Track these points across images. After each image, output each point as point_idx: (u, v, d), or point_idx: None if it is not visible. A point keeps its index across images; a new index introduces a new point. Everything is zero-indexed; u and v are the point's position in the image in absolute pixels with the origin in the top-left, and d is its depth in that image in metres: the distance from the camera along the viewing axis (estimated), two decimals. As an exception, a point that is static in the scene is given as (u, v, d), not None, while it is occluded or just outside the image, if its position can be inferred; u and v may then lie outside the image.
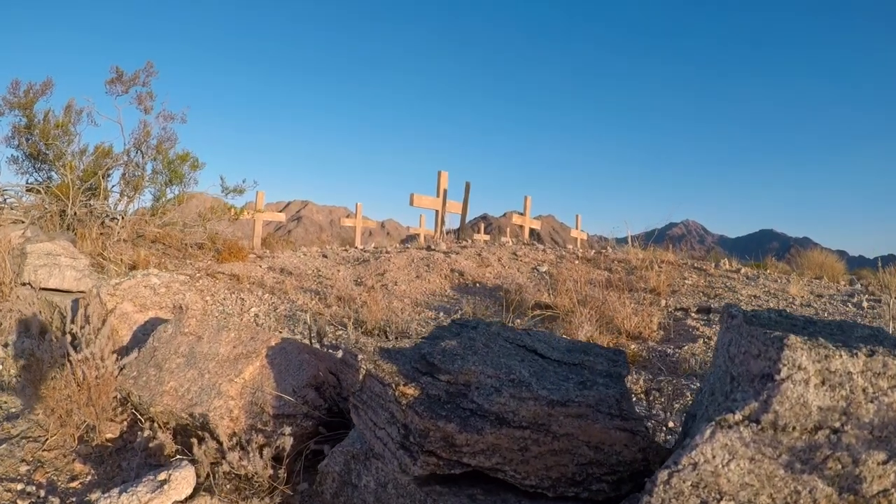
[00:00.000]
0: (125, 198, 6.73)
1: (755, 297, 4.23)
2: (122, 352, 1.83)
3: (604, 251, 5.92)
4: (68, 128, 6.31)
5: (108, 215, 6.27)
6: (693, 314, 3.79)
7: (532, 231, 13.22)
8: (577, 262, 5.44)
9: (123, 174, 6.69)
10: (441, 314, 4.21)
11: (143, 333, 1.88)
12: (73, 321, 1.79)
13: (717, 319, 3.60)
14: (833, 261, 16.13)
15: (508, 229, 19.02)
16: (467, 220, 9.80)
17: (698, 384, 2.55)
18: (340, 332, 3.71)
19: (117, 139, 6.32)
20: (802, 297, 4.34)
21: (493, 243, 6.65)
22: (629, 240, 5.96)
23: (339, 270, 5.48)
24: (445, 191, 9.03)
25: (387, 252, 6.11)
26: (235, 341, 1.56)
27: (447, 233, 8.98)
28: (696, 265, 5.42)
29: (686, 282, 4.70)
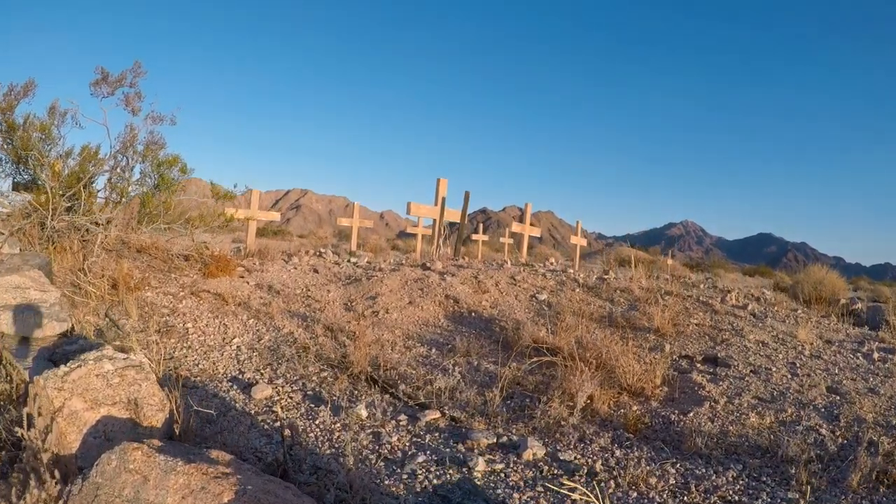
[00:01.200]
0: (110, 203, 6.49)
1: (763, 343, 4.03)
2: (72, 462, 1.61)
3: (606, 277, 5.71)
4: (51, 131, 6.06)
5: (93, 221, 6.03)
6: (699, 364, 3.59)
7: (531, 225, 13.01)
8: (577, 290, 5.23)
9: (109, 178, 6.45)
10: (433, 350, 3.99)
11: (95, 437, 1.66)
12: (17, 421, 1.58)
13: (723, 375, 3.40)
14: (834, 277, 15.97)
15: (507, 233, 18.79)
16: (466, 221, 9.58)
17: (704, 469, 2.35)
18: (326, 375, 3.50)
19: (104, 142, 6.11)
20: (812, 343, 4.14)
21: (491, 264, 6.42)
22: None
23: (329, 291, 5.26)
24: (444, 199, 8.79)
25: (379, 270, 5.89)
26: (184, 490, 1.34)
27: (446, 239, 8.77)
28: (701, 298, 5.21)
29: (691, 320, 4.49)
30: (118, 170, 6.50)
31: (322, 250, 11.04)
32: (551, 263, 17.74)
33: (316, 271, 6.12)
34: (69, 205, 5.81)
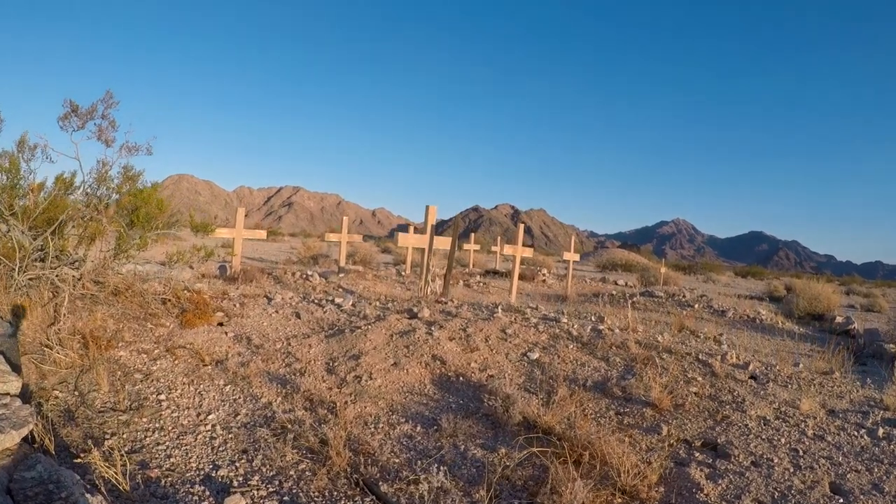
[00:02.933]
0: (84, 242, 6.21)
1: (765, 421, 3.85)
2: None
3: (601, 329, 5.51)
4: (17, 167, 5.77)
5: (67, 262, 5.76)
6: (697, 453, 3.40)
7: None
8: (571, 346, 5.03)
9: (83, 217, 6.18)
10: (419, 428, 3.79)
11: None
12: None
13: (723, 469, 3.22)
14: (829, 292, 15.93)
15: (500, 243, 18.58)
16: (460, 226, 9.36)
17: None
18: (304, 467, 3.27)
19: (77, 177, 5.85)
20: (815, 418, 3.98)
21: (481, 310, 6.20)
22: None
23: (310, 346, 5.03)
24: (433, 226, 8.57)
25: (364, 318, 5.67)
26: None
27: (434, 278, 8.54)
28: (700, 356, 5.03)
29: (690, 388, 4.31)
30: (92, 205, 6.23)
31: (309, 273, 10.80)
32: (543, 278, 17.56)
33: (298, 316, 5.89)
34: (40, 250, 5.54)
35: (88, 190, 6.33)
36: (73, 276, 5.65)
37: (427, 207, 8.56)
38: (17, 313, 4.80)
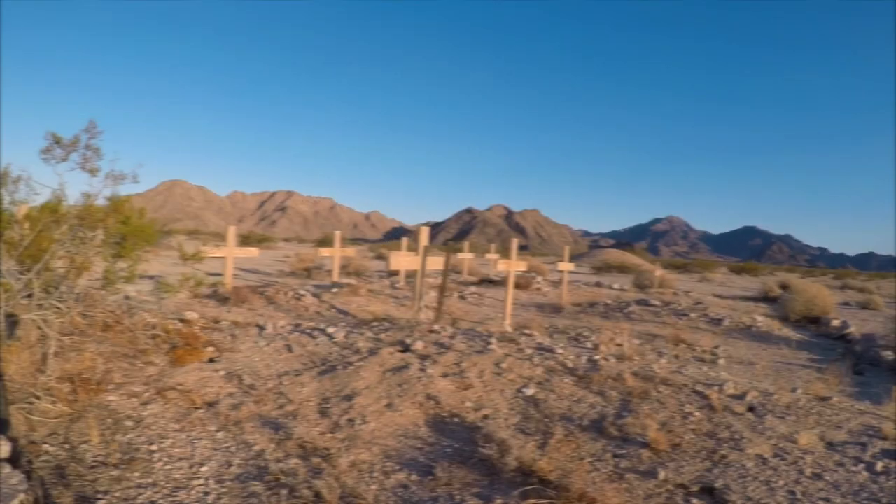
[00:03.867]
0: (71, 276, 6.13)
1: (762, 459, 3.82)
2: None
3: (596, 359, 5.48)
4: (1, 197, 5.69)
5: (55, 296, 5.68)
6: (695, 499, 3.37)
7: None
8: (566, 379, 5.00)
9: (69, 251, 6.10)
10: (413, 476, 3.73)
11: None
12: None
13: (723, 518, 3.19)
14: (825, 294, 15.98)
15: (495, 252, 18.58)
16: (452, 255, 9.31)
17: None
18: (295, 527, 3.22)
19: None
20: (814, 452, 3.96)
21: (476, 337, 6.15)
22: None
23: (302, 385, 4.97)
24: (426, 248, 8.53)
25: (356, 352, 5.61)
26: None
27: (425, 307, 8.49)
28: (697, 388, 5.00)
29: (688, 426, 4.28)
30: (78, 238, 6.15)
31: (301, 293, 10.73)
32: (538, 286, 17.52)
33: (290, 349, 5.83)
34: (28, 285, 5.45)
35: (74, 222, 6.24)
36: (62, 313, 5.56)
37: (419, 229, 8.52)
38: (3, 357, 4.72)
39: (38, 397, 4.38)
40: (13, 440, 3.76)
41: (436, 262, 8.67)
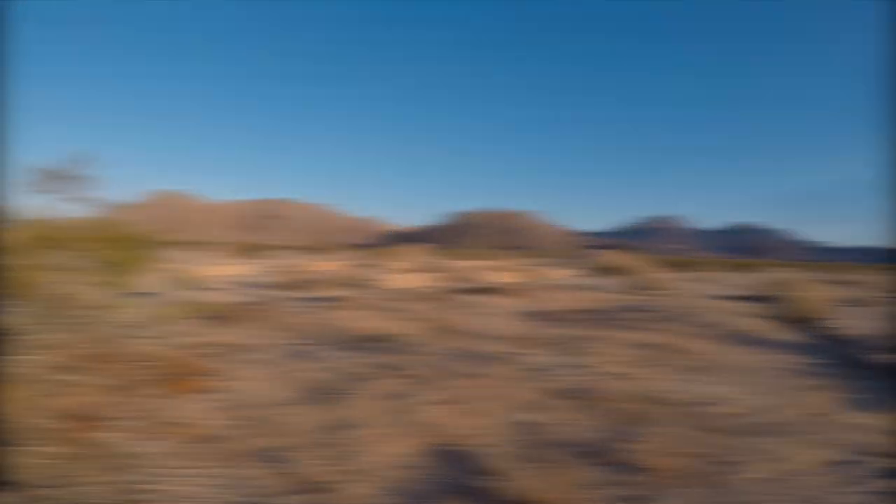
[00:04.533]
0: (63, 304, 6.09)
1: (763, 481, 3.85)
2: None
3: (594, 382, 5.48)
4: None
5: (48, 330, 5.64)
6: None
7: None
8: (562, 403, 5.00)
9: (59, 280, 6.06)
10: (412, 510, 3.74)
11: None
12: None
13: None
14: (818, 293, 16.08)
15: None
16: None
17: None
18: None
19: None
20: (809, 475, 3.98)
21: (470, 364, 6.14)
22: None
23: (299, 415, 4.96)
24: (420, 258, 8.53)
25: (352, 376, 5.60)
26: None
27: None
28: (694, 408, 5.02)
29: (685, 450, 4.30)
30: (69, 266, 6.12)
31: (295, 308, 10.71)
32: (533, 293, 17.54)
33: (285, 375, 5.81)
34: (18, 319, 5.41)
35: (64, 249, 6.22)
36: (53, 347, 5.53)
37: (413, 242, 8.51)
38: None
39: (32, 438, 4.35)
40: (8, 484, 3.74)
41: (427, 275, 8.68)
